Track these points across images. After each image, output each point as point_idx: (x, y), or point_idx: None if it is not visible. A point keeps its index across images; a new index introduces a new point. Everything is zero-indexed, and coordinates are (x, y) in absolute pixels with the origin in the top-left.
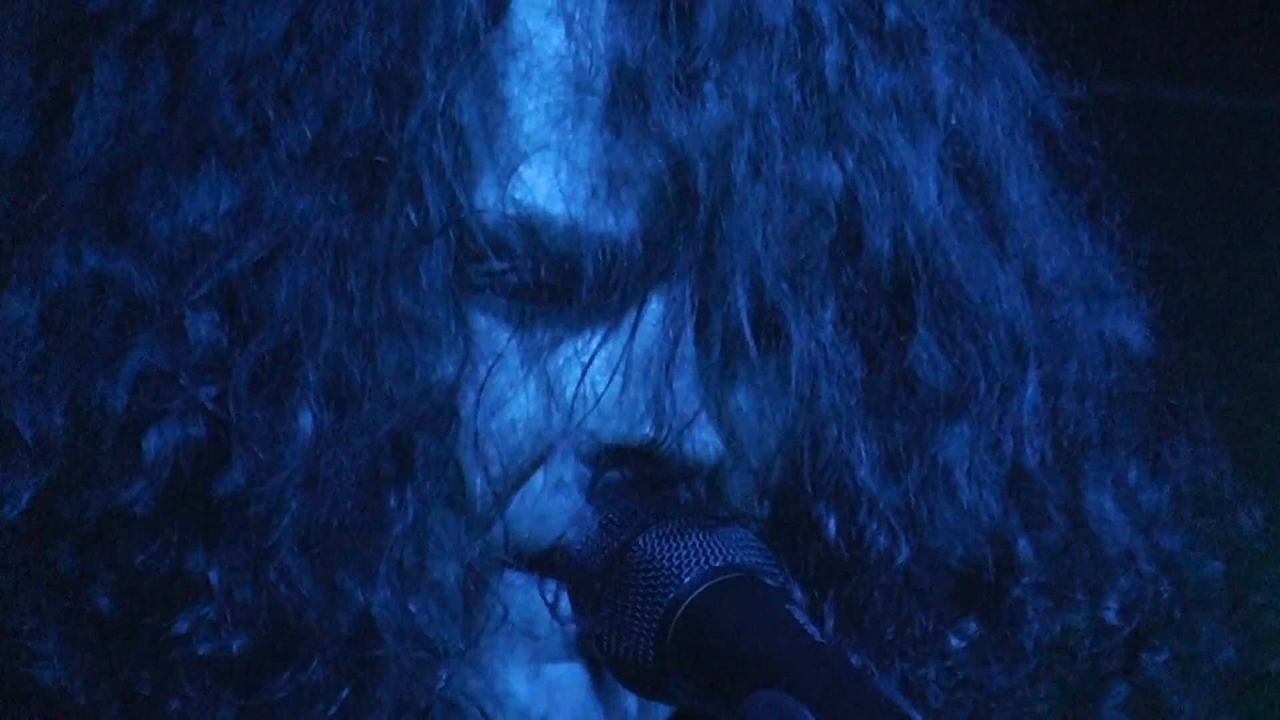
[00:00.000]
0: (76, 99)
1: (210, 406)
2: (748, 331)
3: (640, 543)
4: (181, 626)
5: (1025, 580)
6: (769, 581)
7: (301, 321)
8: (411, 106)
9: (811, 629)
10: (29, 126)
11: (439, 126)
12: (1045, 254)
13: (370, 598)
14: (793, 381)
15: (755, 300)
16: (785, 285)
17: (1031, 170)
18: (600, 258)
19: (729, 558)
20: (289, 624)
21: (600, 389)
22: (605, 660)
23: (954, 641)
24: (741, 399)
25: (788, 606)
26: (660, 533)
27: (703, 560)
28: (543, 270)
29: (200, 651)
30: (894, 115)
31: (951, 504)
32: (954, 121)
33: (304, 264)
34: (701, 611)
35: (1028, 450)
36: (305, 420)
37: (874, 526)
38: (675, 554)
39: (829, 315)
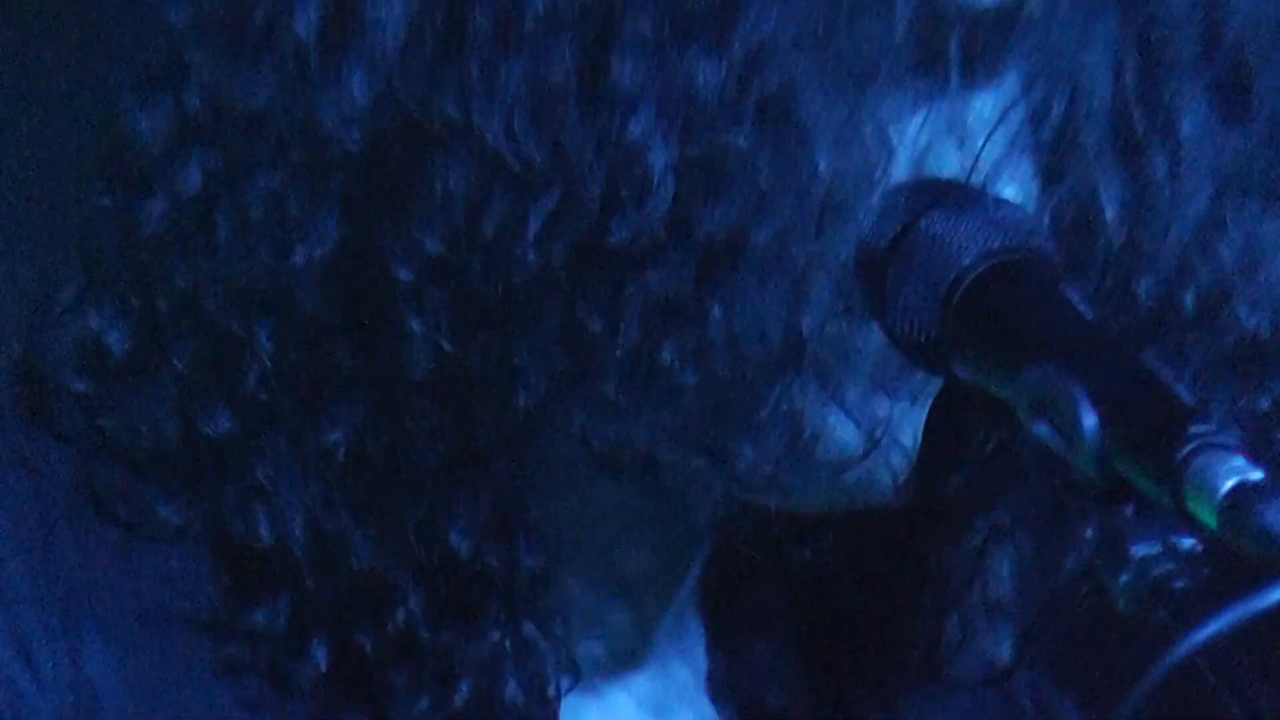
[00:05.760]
0: None
1: None
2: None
3: (923, 224)
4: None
5: None
6: (1047, 265)
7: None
8: None
9: (1085, 310)
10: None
11: None
12: None
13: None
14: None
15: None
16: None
17: None
18: None
19: (1009, 240)
20: None
21: None
22: (890, 338)
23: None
24: None
25: (1063, 288)
26: (943, 214)
27: (982, 241)
28: None
29: None
30: None
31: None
32: None
33: None
34: (980, 291)
35: None
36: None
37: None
38: (956, 234)
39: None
